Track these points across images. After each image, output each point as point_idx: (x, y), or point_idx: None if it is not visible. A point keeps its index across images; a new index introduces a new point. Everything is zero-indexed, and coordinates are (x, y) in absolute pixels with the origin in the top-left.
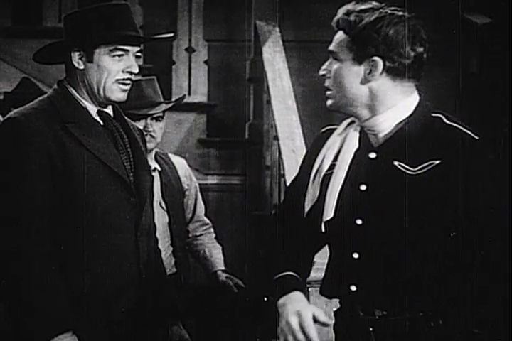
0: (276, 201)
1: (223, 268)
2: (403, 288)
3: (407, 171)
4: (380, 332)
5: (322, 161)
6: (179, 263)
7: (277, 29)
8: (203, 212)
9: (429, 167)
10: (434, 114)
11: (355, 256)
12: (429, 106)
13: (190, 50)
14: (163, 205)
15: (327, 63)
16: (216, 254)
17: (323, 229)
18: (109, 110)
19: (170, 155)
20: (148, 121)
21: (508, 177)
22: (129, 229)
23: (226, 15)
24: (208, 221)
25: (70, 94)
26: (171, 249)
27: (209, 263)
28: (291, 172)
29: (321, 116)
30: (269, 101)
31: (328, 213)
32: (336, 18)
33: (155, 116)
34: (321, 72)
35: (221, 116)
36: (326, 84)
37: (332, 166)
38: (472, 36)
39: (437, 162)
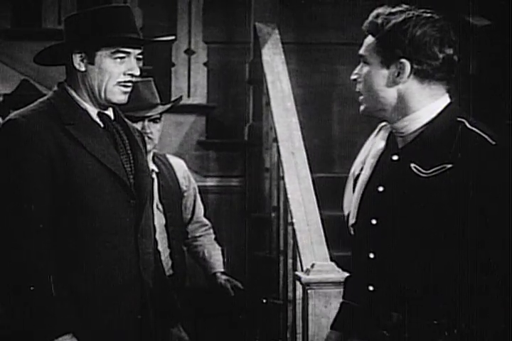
0: (276, 203)
1: (222, 270)
2: (418, 292)
3: (420, 174)
4: (394, 337)
5: (355, 165)
6: (176, 265)
7: (277, 31)
8: (202, 213)
9: (441, 170)
10: (459, 119)
11: (371, 256)
12: (456, 110)
13: (189, 52)
14: (160, 207)
15: (358, 67)
16: (215, 256)
17: (351, 232)
18: (109, 112)
19: (168, 156)
20: (146, 122)
21: None
22: (129, 231)
23: (225, 18)
24: (207, 222)
25: (70, 96)
26: (169, 250)
27: (208, 264)
28: (290, 174)
29: (321, 118)
30: (268, 103)
31: (353, 216)
32: (366, 22)
33: (152, 117)
34: (353, 77)
35: (220, 118)
36: (358, 88)
37: (362, 169)
38: (472, 38)
39: (449, 166)
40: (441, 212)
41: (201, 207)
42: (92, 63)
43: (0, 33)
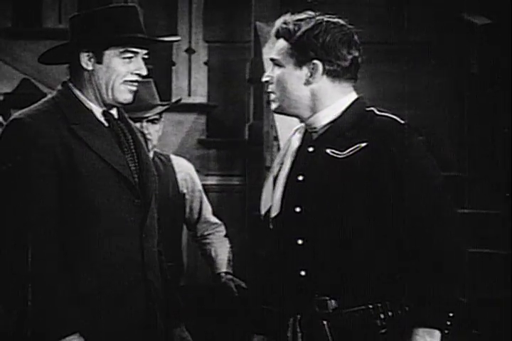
0: None
1: (226, 270)
2: (350, 275)
3: (338, 156)
4: (333, 325)
5: (273, 166)
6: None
7: None
8: (210, 213)
9: (356, 150)
10: (367, 108)
11: (300, 242)
12: (363, 103)
13: (190, 51)
14: None
15: (269, 70)
16: (221, 255)
17: (271, 226)
18: (113, 111)
19: (172, 157)
20: (144, 123)
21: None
22: (134, 231)
23: (226, 16)
24: (216, 220)
25: (74, 95)
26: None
27: (214, 263)
28: None
29: None
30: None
31: (276, 209)
32: (275, 28)
33: (151, 118)
34: (265, 79)
35: (221, 116)
36: (269, 89)
37: (280, 169)
38: (472, 37)
39: (364, 145)
40: (361, 189)
41: (208, 207)
42: (100, 62)
43: (0, 32)
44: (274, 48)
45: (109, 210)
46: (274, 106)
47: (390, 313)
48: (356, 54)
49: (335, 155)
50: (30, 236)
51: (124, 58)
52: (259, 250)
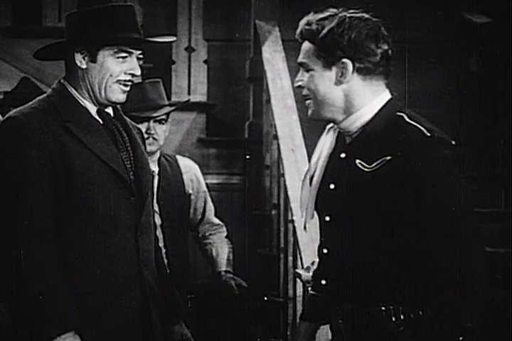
0: (276, 200)
1: (226, 268)
2: (367, 282)
3: (365, 169)
4: (347, 324)
5: (309, 166)
6: (171, 264)
7: (277, 28)
8: (213, 214)
9: (381, 163)
10: (398, 113)
11: (325, 251)
12: (396, 106)
13: (189, 49)
14: (156, 208)
15: (299, 75)
16: (222, 254)
17: (306, 230)
18: (108, 109)
19: (178, 157)
20: (151, 123)
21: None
22: (129, 228)
23: (226, 15)
24: (218, 221)
25: (69, 93)
26: (164, 250)
27: (214, 263)
28: (290, 172)
29: None
30: (268, 101)
31: (309, 215)
32: (298, 30)
33: (158, 118)
34: (297, 84)
35: (221, 115)
36: (304, 93)
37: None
38: (472, 36)
39: (388, 158)
40: (385, 205)
41: (212, 208)
42: (94, 61)
43: (0, 30)
44: (301, 51)
45: (104, 208)
46: (309, 112)
47: (402, 316)
48: (385, 47)
49: (362, 167)
50: (25, 234)
51: (118, 58)
52: (258, 249)
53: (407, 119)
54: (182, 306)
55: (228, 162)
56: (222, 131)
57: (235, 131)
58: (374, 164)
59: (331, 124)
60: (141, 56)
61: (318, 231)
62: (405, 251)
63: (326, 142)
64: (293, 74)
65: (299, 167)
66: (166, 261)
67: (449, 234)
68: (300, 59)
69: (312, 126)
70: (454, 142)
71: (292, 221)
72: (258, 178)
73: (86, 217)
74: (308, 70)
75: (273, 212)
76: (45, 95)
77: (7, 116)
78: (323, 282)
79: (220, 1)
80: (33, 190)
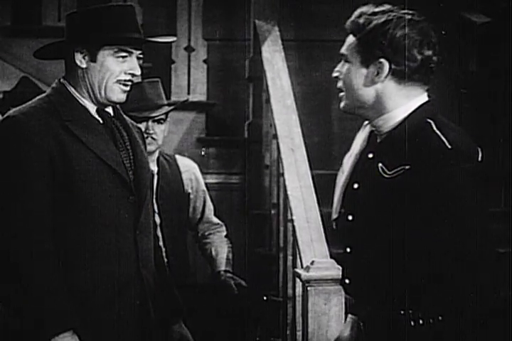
0: (275, 200)
1: (226, 268)
2: (388, 284)
3: (384, 174)
4: (368, 326)
5: (344, 161)
6: (171, 264)
7: (277, 28)
8: (212, 214)
9: (400, 172)
10: (427, 120)
11: (348, 250)
12: (427, 111)
13: (189, 49)
14: (155, 207)
15: (339, 65)
16: (221, 254)
17: (334, 227)
18: (108, 109)
19: (177, 157)
20: (150, 123)
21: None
22: (128, 227)
23: (225, 15)
24: (217, 221)
25: (69, 93)
26: (163, 250)
27: (214, 262)
28: (290, 171)
29: (320, 115)
30: (268, 100)
31: (336, 211)
32: (348, 21)
33: (157, 118)
34: (334, 74)
35: (220, 115)
36: (339, 85)
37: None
38: (471, 35)
39: (407, 167)
40: (400, 213)
41: (211, 207)
42: (94, 61)
43: (0, 30)
44: (345, 42)
45: (103, 207)
46: (342, 104)
47: (421, 321)
48: (429, 54)
49: (382, 172)
50: (24, 233)
51: (118, 57)
52: (258, 248)
53: (434, 127)
54: (181, 306)
55: (228, 161)
56: (221, 131)
57: (234, 131)
58: (393, 171)
59: (367, 121)
60: (141, 56)
61: (336, 229)
62: (422, 258)
63: (360, 139)
64: (292, 74)
65: (299, 167)
66: (165, 260)
67: (462, 253)
68: (342, 50)
69: (312, 126)
70: (480, 154)
71: (292, 220)
72: (258, 178)
73: (85, 216)
74: (347, 62)
75: (272, 211)
76: (44, 94)
77: (6, 115)
78: (347, 281)
79: (220, 1)
80: (32, 190)
